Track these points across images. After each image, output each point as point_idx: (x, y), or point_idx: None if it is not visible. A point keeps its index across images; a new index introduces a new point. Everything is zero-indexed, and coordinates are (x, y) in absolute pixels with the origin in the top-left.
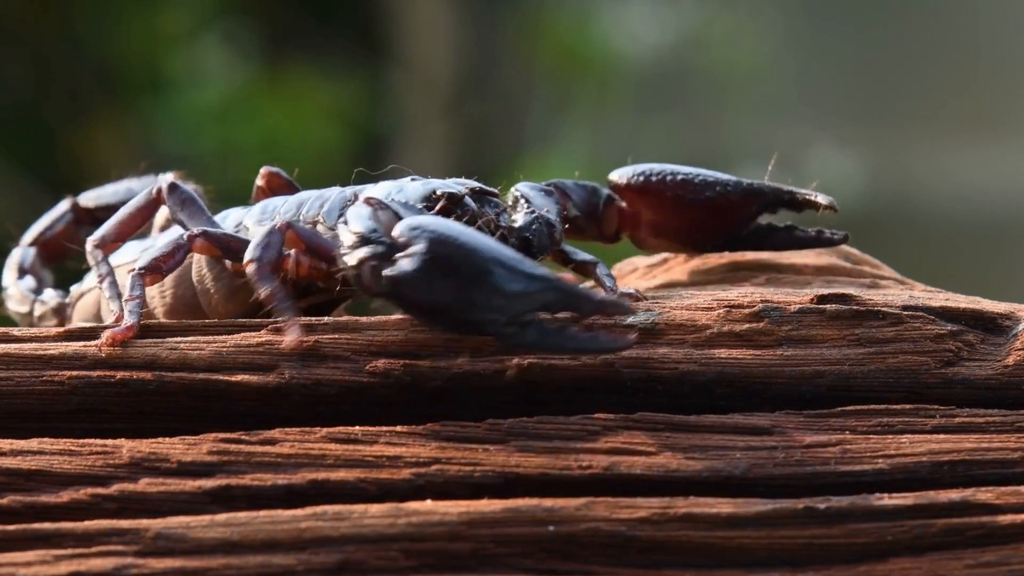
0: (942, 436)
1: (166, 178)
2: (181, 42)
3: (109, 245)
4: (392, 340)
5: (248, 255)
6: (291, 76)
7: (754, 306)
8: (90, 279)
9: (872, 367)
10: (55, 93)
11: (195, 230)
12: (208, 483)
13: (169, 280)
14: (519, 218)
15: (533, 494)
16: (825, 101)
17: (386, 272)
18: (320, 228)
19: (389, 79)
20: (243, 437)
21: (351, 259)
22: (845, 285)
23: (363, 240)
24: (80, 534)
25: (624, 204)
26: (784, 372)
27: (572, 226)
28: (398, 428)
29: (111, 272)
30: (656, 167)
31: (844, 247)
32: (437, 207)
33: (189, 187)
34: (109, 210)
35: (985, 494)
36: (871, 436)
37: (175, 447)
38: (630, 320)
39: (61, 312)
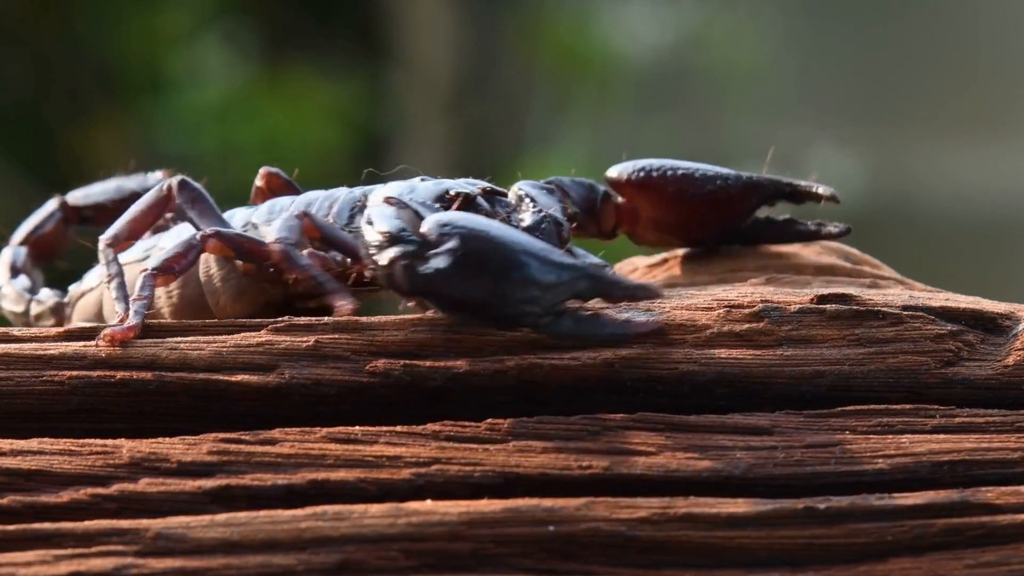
0: (942, 436)
1: (163, 176)
2: (181, 42)
3: (121, 244)
4: (392, 340)
5: (274, 237)
6: (291, 76)
7: (754, 306)
8: (90, 278)
9: (872, 367)
10: (55, 93)
11: (208, 230)
12: (208, 483)
13: (176, 280)
14: (526, 217)
15: (533, 494)
16: (825, 101)
17: (420, 270)
18: None
19: (389, 79)
20: (243, 437)
21: (382, 258)
22: (845, 285)
23: (393, 239)
24: (80, 534)
25: (621, 200)
26: (784, 372)
27: (571, 223)
28: (398, 428)
29: (120, 272)
30: (655, 162)
31: (844, 247)
32: (452, 207)
33: (199, 185)
34: (98, 208)
35: (985, 494)
36: (871, 436)
37: (175, 447)
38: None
39: (59, 312)
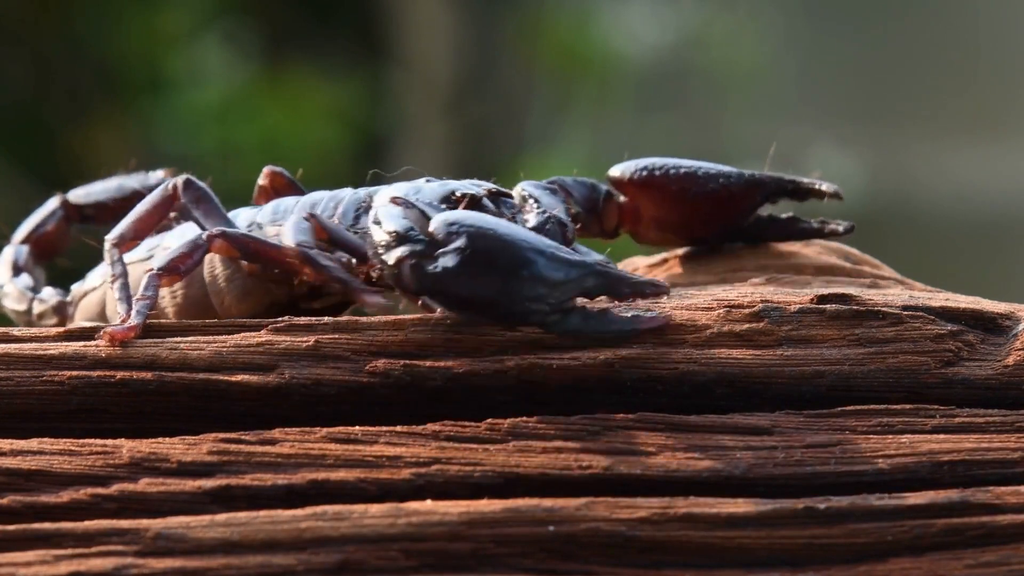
0: (942, 436)
1: (165, 175)
2: (181, 42)
3: (127, 243)
4: (392, 340)
5: (291, 240)
6: (291, 76)
7: (754, 306)
8: (93, 277)
9: (872, 367)
10: (55, 93)
11: (214, 230)
12: (208, 483)
13: (181, 280)
14: (531, 218)
15: (533, 494)
16: (825, 101)
17: (428, 269)
18: None
19: (389, 79)
20: (243, 437)
21: (389, 258)
22: (845, 285)
23: (401, 238)
24: (80, 534)
25: (624, 199)
26: (784, 372)
27: (574, 223)
28: (398, 428)
29: (125, 273)
30: (658, 161)
31: (844, 247)
32: (458, 208)
33: (204, 184)
34: (99, 207)
35: (985, 494)
36: (871, 436)
37: (175, 447)
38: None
39: (62, 311)
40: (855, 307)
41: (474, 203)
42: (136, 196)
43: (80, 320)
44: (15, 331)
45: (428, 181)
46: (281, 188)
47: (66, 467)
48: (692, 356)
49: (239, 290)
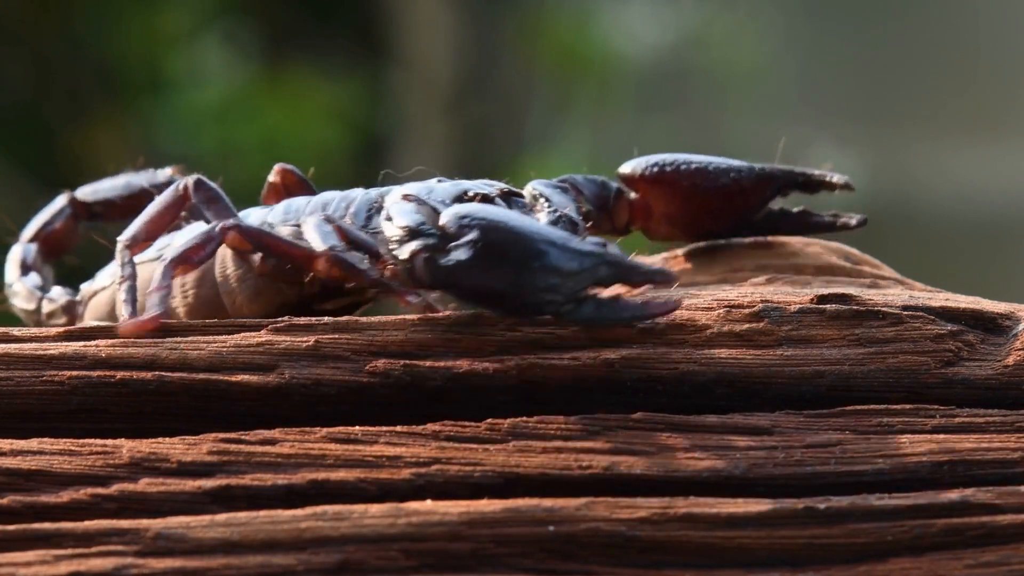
0: (942, 436)
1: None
2: (181, 42)
3: (140, 244)
4: (392, 340)
5: (320, 244)
6: (291, 76)
7: (754, 306)
8: (103, 277)
9: (872, 367)
10: (55, 93)
11: (228, 222)
12: (208, 483)
13: (191, 280)
14: (542, 217)
15: (533, 494)
16: (825, 101)
17: (441, 262)
18: None
19: (389, 79)
20: (243, 437)
21: (402, 252)
22: (845, 285)
23: (413, 233)
24: (80, 534)
25: (634, 196)
26: (784, 372)
27: (585, 220)
28: (398, 428)
29: (133, 275)
30: (668, 157)
31: (844, 247)
32: None
33: (215, 184)
34: (107, 204)
35: (985, 494)
36: (871, 436)
37: (175, 447)
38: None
39: (71, 310)
40: (855, 307)
41: (486, 202)
42: (144, 194)
43: (90, 319)
44: (15, 331)
45: (440, 181)
46: (292, 186)
47: (66, 467)
48: (692, 356)
49: (250, 290)
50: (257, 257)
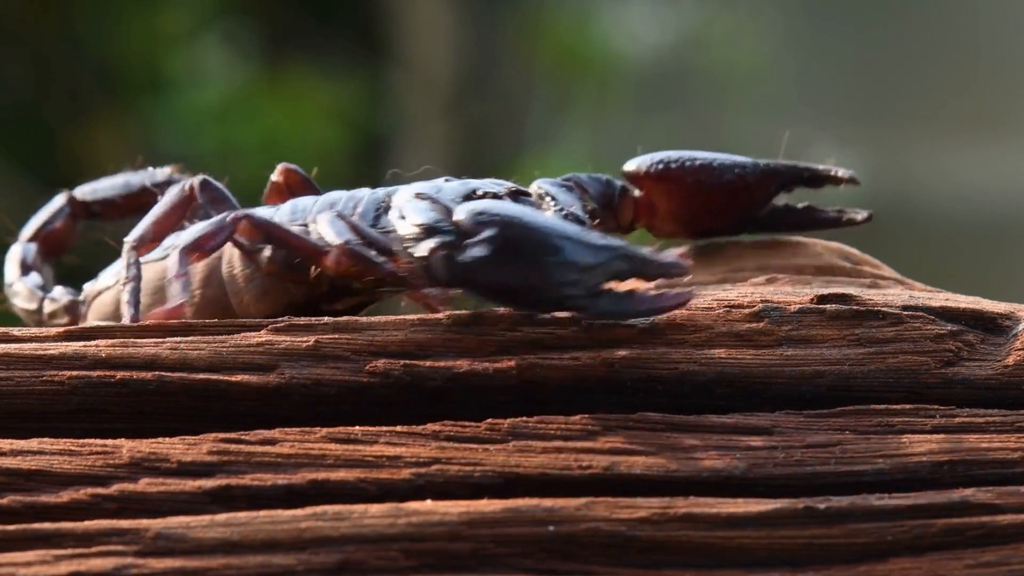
0: (942, 436)
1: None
2: (181, 42)
3: (147, 245)
4: (392, 340)
5: (336, 239)
6: (291, 76)
7: (754, 306)
8: (106, 277)
9: (872, 367)
10: (55, 93)
11: (239, 212)
12: (208, 483)
13: (198, 279)
14: (549, 215)
15: (533, 494)
16: (825, 101)
17: (459, 259)
18: None
19: (389, 79)
20: (243, 437)
21: (419, 250)
22: (845, 285)
23: (430, 230)
24: (80, 534)
25: (638, 194)
26: (784, 372)
27: (590, 219)
28: (398, 428)
29: (138, 277)
30: (673, 154)
31: (844, 247)
32: None
33: (220, 184)
34: (106, 204)
35: (985, 494)
36: (871, 436)
37: (175, 447)
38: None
39: (73, 310)
40: (855, 307)
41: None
42: (143, 193)
43: (93, 319)
44: (15, 331)
45: (447, 181)
46: (295, 186)
47: (66, 467)
48: (692, 356)
49: (258, 290)
50: (265, 257)
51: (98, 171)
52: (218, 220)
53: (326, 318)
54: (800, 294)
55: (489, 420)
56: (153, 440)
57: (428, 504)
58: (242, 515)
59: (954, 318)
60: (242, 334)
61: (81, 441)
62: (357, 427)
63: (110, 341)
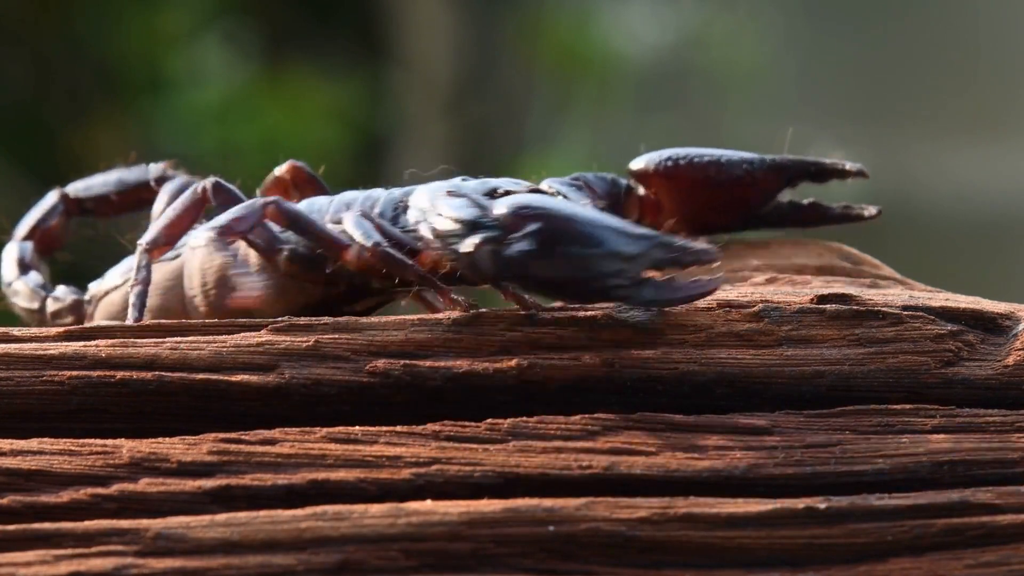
0: (942, 436)
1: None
2: (181, 42)
3: (161, 248)
4: (392, 340)
5: (364, 240)
6: (291, 76)
7: (754, 306)
8: (112, 276)
9: (872, 367)
10: (55, 93)
11: (268, 199)
12: (208, 483)
13: (212, 279)
14: None
15: (533, 494)
16: (825, 101)
17: (506, 254)
18: None
19: (389, 79)
20: (243, 437)
21: (464, 246)
22: (845, 285)
23: (473, 226)
24: (80, 534)
25: (644, 192)
26: (784, 372)
27: None
28: (398, 428)
29: (147, 281)
30: (680, 151)
31: (844, 247)
32: None
33: (233, 186)
34: (100, 200)
35: (985, 494)
36: (871, 436)
37: (175, 447)
38: (627, 318)
39: (78, 309)
40: (855, 307)
41: None
42: (138, 189)
43: (100, 318)
44: (15, 331)
45: (464, 180)
46: (302, 184)
47: (66, 467)
48: (692, 356)
49: (274, 289)
50: (283, 257)
51: (97, 171)
52: (248, 204)
53: (326, 318)
54: (800, 294)
55: (489, 420)
56: (153, 440)
57: (428, 504)
58: (242, 515)
59: (954, 318)
60: (242, 334)
61: (81, 441)
62: (357, 427)
63: (110, 341)
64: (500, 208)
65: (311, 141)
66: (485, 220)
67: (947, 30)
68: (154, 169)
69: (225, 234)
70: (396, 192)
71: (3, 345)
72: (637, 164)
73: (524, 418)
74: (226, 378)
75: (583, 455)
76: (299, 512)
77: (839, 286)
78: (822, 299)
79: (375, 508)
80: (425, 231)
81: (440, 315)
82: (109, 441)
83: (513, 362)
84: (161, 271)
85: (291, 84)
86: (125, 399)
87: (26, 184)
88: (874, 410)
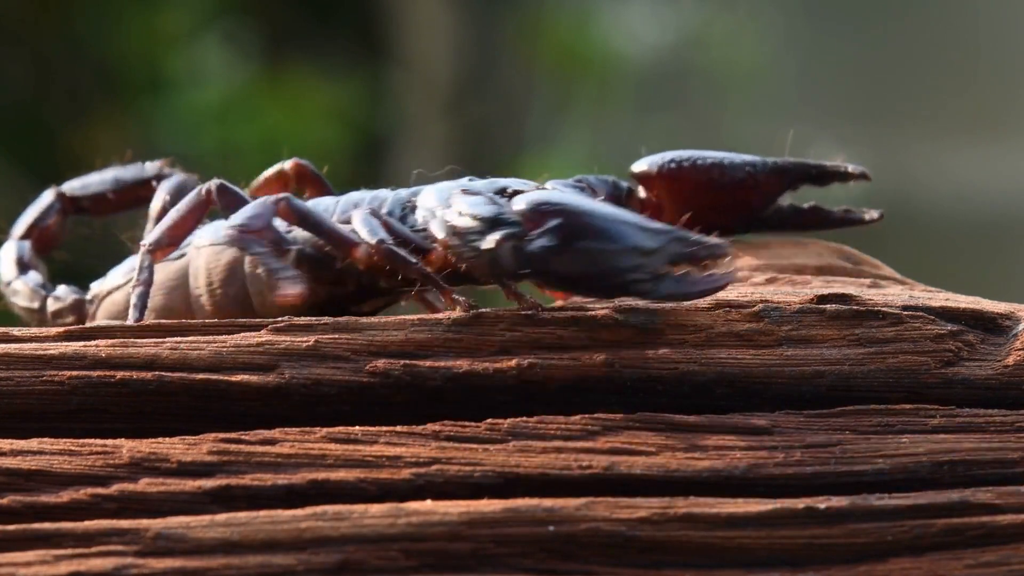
0: (942, 436)
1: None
2: (181, 42)
3: (164, 249)
4: (392, 340)
5: (370, 237)
6: (291, 76)
7: (754, 306)
8: (115, 276)
9: (872, 367)
10: (55, 93)
11: (280, 195)
12: (208, 483)
13: (218, 278)
14: None
15: (533, 494)
16: (825, 101)
17: (529, 249)
18: None
19: (389, 79)
20: (243, 437)
21: (485, 243)
22: (845, 285)
23: (494, 222)
24: (80, 534)
25: (645, 195)
26: (784, 372)
27: None
28: (398, 428)
29: (149, 282)
30: (683, 153)
31: (844, 247)
32: None
33: (237, 188)
34: (96, 199)
35: (985, 494)
36: (871, 436)
37: (175, 447)
38: (627, 318)
39: (79, 309)
40: (855, 307)
41: None
42: (134, 187)
43: (102, 318)
44: (15, 331)
45: (471, 180)
46: (304, 182)
47: (66, 467)
48: (692, 356)
49: None
50: (292, 256)
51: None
52: (260, 202)
53: (326, 318)
54: (800, 294)
55: (489, 420)
56: (153, 440)
57: (428, 504)
58: (242, 515)
59: (954, 318)
60: (242, 334)
61: (81, 441)
62: (357, 427)
63: (110, 341)
64: (519, 204)
65: (311, 141)
66: (506, 216)
67: (947, 30)
68: (150, 167)
69: (244, 232)
70: (403, 192)
71: (3, 345)
72: (640, 166)
73: (524, 418)
74: (226, 378)
75: (583, 455)
76: (299, 512)
77: (839, 286)
78: (822, 299)
79: (375, 508)
80: (437, 229)
81: (440, 315)
82: (109, 441)
83: (513, 362)
84: (165, 270)
85: (291, 84)
86: (125, 399)
87: (26, 184)
88: (874, 410)
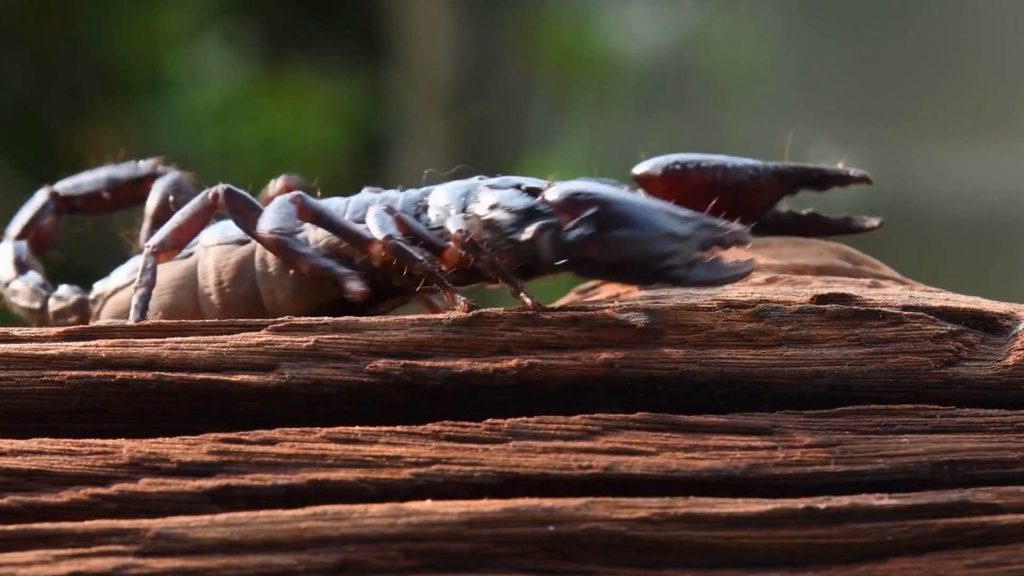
0: (942, 436)
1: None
2: (181, 42)
3: (168, 252)
4: (392, 340)
5: (379, 233)
6: (291, 76)
7: (754, 306)
8: (119, 276)
9: (872, 367)
10: (55, 93)
11: (295, 194)
12: (208, 483)
13: (228, 277)
14: None
15: (533, 494)
16: (825, 101)
17: (568, 239)
18: None
19: (389, 79)
20: (243, 437)
21: (523, 234)
22: (845, 285)
23: (531, 214)
24: (80, 534)
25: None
26: (784, 372)
27: None
28: (398, 428)
29: (152, 284)
30: (686, 156)
31: (844, 247)
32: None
33: (245, 192)
34: (90, 198)
35: (985, 494)
36: (871, 436)
37: (175, 447)
38: (627, 318)
39: (82, 309)
40: (855, 307)
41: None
42: (128, 186)
43: (108, 317)
44: (15, 331)
45: (481, 179)
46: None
47: (66, 467)
48: (692, 356)
49: (294, 288)
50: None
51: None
52: (279, 203)
53: (326, 318)
54: (800, 294)
55: (489, 420)
56: (153, 440)
57: (428, 504)
58: (242, 515)
59: (954, 318)
60: (242, 334)
61: (81, 441)
62: (357, 427)
63: (110, 341)
64: (553, 195)
65: (311, 141)
66: (541, 208)
67: (947, 30)
68: (144, 166)
69: (286, 235)
70: (413, 193)
71: (3, 345)
72: (642, 168)
73: (524, 418)
74: (226, 378)
75: (583, 455)
76: (299, 512)
77: (839, 286)
78: (822, 299)
79: (375, 508)
80: (452, 225)
81: (440, 315)
82: (109, 441)
83: (513, 362)
84: (172, 269)
85: (291, 84)
86: (125, 399)
87: (26, 184)
88: (874, 410)
